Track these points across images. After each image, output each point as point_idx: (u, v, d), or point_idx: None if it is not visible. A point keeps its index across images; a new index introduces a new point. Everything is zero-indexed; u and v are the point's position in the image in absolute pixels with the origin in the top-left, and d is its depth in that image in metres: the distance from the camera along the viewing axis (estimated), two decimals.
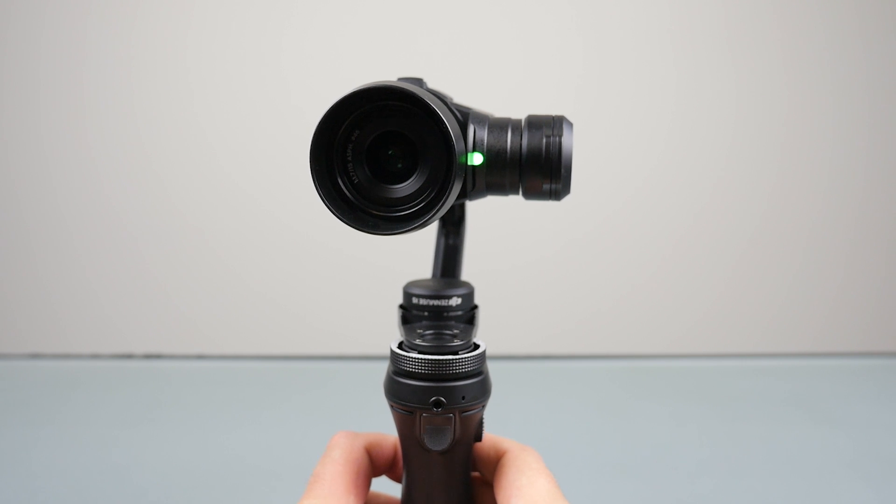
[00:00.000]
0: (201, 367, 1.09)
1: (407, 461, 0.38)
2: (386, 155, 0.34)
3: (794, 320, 1.15)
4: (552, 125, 0.38)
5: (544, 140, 0.37)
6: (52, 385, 1.00)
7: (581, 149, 1.13)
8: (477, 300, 0.41)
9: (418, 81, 0.36)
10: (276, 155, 1.08)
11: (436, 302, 0.39)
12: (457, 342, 0.37)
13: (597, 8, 1.07)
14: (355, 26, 1.06)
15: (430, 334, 0.38)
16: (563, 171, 0.37)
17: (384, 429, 0.42)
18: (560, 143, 0.37)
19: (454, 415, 0.36)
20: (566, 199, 0.39)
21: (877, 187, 1.13)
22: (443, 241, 0.44)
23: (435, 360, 0.35)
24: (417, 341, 0.37)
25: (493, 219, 1.07)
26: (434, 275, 0.43)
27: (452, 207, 0.44)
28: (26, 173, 1.09)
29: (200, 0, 1.05)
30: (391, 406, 0.37)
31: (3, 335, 1.13)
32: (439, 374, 0.35)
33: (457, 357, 0.36)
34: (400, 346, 0.37)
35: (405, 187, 0.33)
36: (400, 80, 0.35)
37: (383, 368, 0.39)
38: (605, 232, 1.12)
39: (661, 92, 1.09)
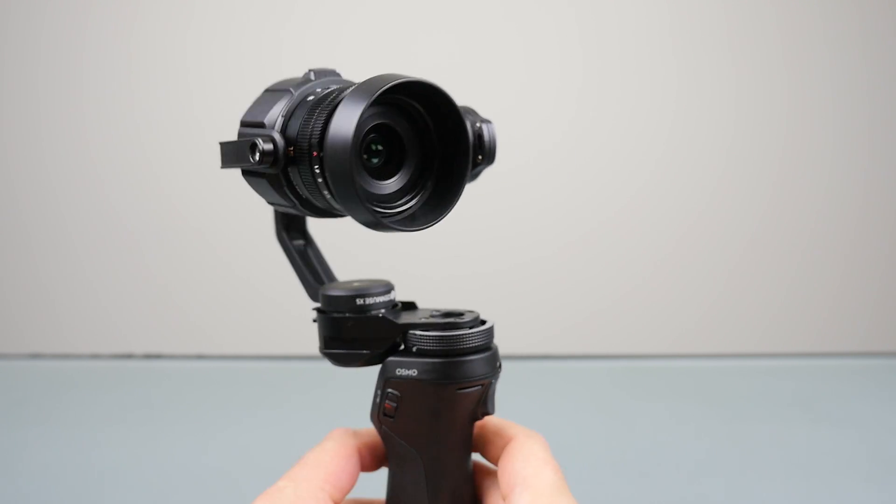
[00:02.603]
0: (201, 367, 1.09)
1: (432, 452, 0.38)
2: (369, 150, 0.35)
3: (794, 320, 1.15)
4: (471, 112, 0.41)
5: (478, 125, 0.41)
6: (52, 385, 1.00)
7: (582, 149, 1.14)
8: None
9: (332, 73, 0.38)
10: None
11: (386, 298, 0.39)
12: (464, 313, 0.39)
13: (597, 9, 1.07)
14: (355, 27, 1.06)
15: (438, 314, 0.38)
16: (493, 151, 0.41)
17: None
18: (489, 127, 0.41)
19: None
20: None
21: (877, 187, 1.12)
22: (301, 243, 0.43)
23: (489, 328, 0.37)
24: (452, 319, 0.37)
25: (493, 219, 1.08)
26: (323, 279, 0.42)
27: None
28: (26, 173, 1.09)
29: (200, 0, 1.05)
30: (460, 389, 0.37)
31: (3, 335, 1.13)
32: (490, 341, 0.38)
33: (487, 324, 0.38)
34: (411, 335, 0.37)
35: (390, 184, 0.35)
36: (312, 70, 0.37)
37: None
38: (604, 232, 1.12)
39: (662, 93, 1.09)
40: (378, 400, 0.37)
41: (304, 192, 0.35)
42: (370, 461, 0.39)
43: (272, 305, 1.12)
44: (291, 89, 0.36)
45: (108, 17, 1.06)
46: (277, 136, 0.34)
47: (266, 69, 1.07)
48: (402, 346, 0.38)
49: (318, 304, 0.40)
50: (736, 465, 0.77)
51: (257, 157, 0.34)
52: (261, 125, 0.35)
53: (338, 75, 0.38)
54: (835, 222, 1.13)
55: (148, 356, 1.12)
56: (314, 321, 0.40)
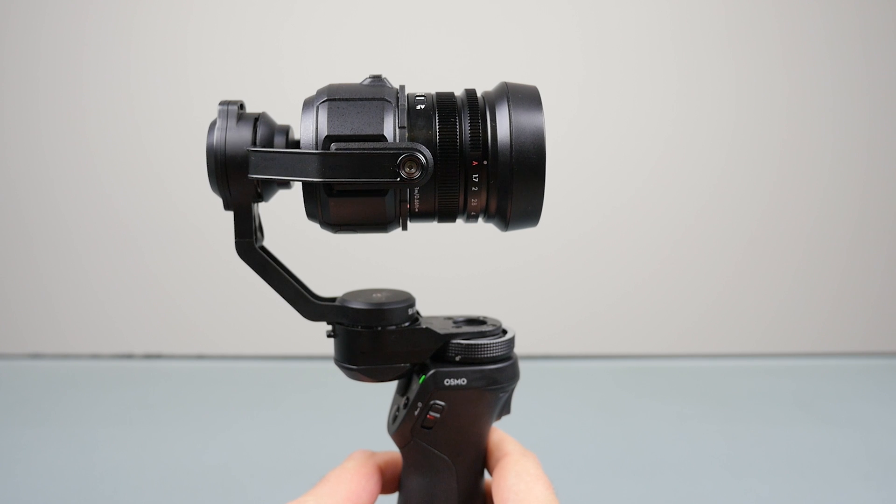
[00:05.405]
0: (201, 367, 1.09)
1: (469, 458, 0.39)
2: None
3: (794, 320, 1.15)
4: None
5: None
6: (52, 385, 1.00)
7: (582, 149, 1.14)
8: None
9: (379, 77, 0.36)
10: None
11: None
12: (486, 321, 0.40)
13: (598, 9, 1.07)
14: (354, 26, 1.06)
15: (462, 322, 0.40)
16: None
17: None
18: None
19: None
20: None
21: (877, 187, 1.12)
22: (267, 257, 0.39)
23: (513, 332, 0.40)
24: (479, 328, 0.39)
25: None
26: (313, 293, 0.39)
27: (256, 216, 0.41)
28: (26, 173, 1.09)
29: (200, 1, 1.05)
30: (502, 392, 0.38)
31: (3, 335, 1.13)
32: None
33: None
34: (449, 346, 0.38)
35: None
36: (371, 76, 0.36)
37: None
38: (604, 232, 1.12)
39: (662, 93, 1.09)
40: (418, 413, 0.37)
41: (418, 206, 0.34)
42: (388, 482, 0.41)
43: (272, 305, 1.11)
44: (387, 98, 0.34)
45: (108, 15, 1.06)
46: (423, 148, 0.32)
47: (265, 68, 1.07)
48: (439, 357, 0.38)
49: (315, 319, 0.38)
50: (736, 465, 0.77)
51: (415, 170, 0.32)
52: (380, 138, 0.33)
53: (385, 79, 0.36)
54: (834, 222, 1.13)
55: (148, 356, 1.12)
56: (330, 336, 0.38)
